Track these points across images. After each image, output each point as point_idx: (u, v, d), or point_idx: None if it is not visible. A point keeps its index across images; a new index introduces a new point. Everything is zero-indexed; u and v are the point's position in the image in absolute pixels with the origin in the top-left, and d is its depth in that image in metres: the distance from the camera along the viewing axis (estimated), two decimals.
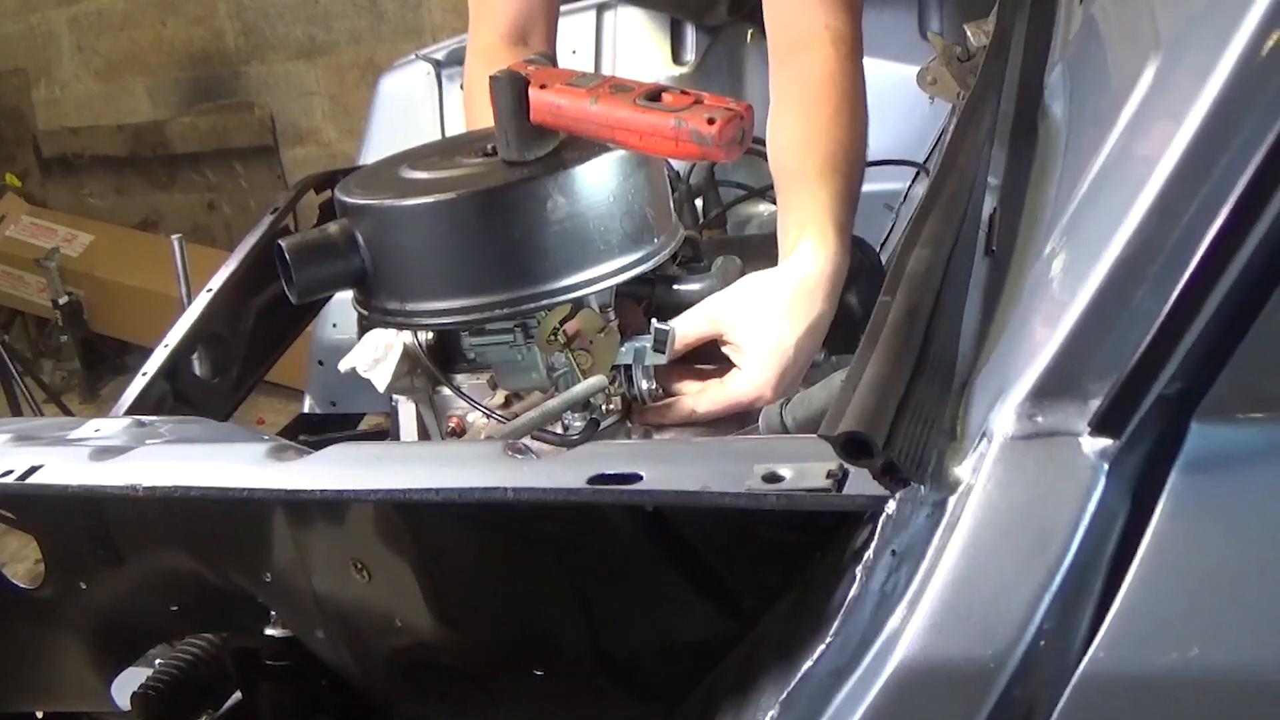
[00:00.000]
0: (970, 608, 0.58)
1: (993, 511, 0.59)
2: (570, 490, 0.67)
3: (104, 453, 0.89)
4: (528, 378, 1.22)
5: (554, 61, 1.17)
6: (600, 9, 2.04)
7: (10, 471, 0.87)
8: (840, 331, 1.25)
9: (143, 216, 5.15)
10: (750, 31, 1.95)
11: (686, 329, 1.23)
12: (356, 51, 4.44)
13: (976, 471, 0.60)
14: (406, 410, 1.32)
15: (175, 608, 1.08)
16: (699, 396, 1.23)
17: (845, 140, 1.28)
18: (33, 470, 0.87)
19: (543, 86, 1.10)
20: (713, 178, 1.62)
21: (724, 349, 1.23)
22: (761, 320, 1.21)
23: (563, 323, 1.18)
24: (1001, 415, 0.61)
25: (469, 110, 1.56)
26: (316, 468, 0.79)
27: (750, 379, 1.21)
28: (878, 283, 1.27)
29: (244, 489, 0.81)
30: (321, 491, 0.77)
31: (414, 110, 2.09)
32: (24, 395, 3.53)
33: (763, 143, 1.73)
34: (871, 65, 1.34)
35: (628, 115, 1.03)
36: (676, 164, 1.53)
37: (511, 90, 1.11)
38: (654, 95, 1.03)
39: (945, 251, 0.76)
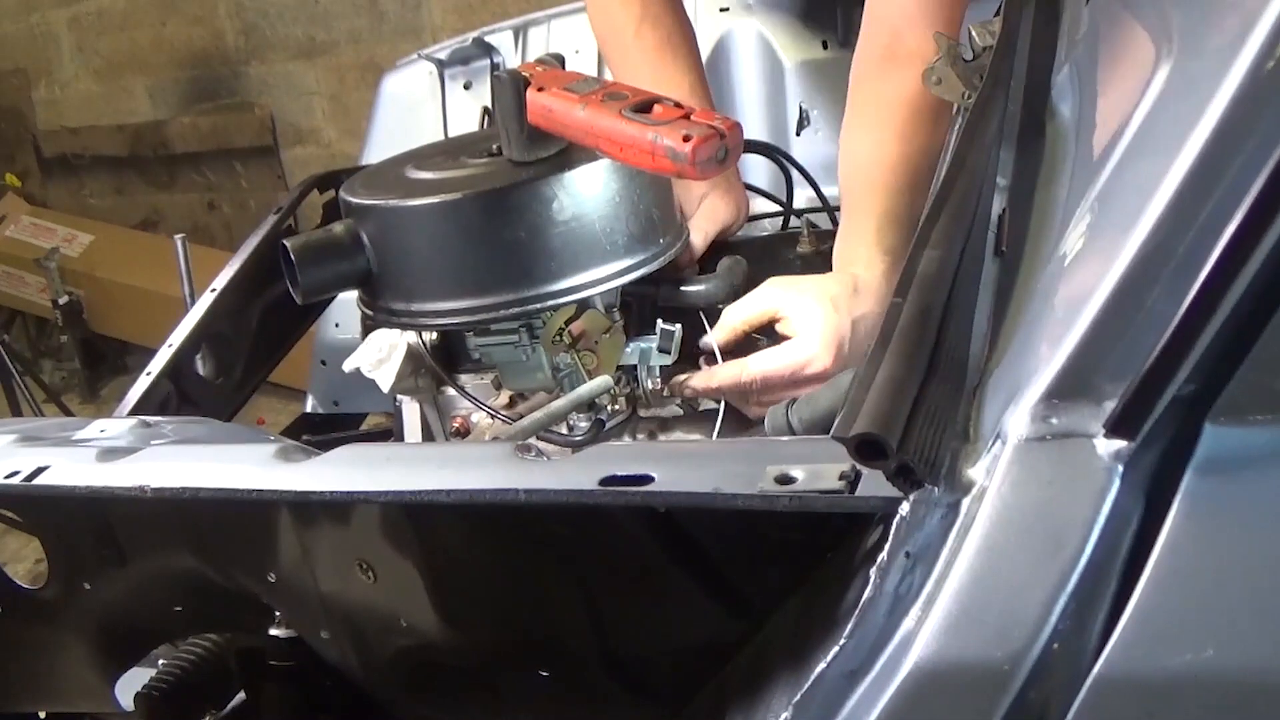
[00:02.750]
0: (985, 610, 0.58)
1: (1007, 513, 0.59)
2: (582, 491, 0.67)
3: (111, 454, 0.88)
4: (533, 378, 1.22)
5: (564, 63, 1.17)
6: None
7: (17, 473, 0.87)
8: None
9: (143, 216, 5.15)
10: (757, 32, 1.95)
11: (745, 310, 1.23)
12: (356, 51, 4.43)
13: (990, 473, 0.60)
14: (410, 410, 1.32)
15: (179, 608, 1.08)
16: (751, 357, 1.22)
17: (912, 163, 1.27)
18: (39, 471, 0.87)
19: (540, 89, 1.10)
20: None
21: (778, 327, 1.23)
22: (816, 302, 1.21)
23: (568, 323, 1.18)
24: (1015, 417, 0.61)
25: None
26: (326, 469, 0.79)
27: (805, 344, 1.19)
28: None
29: (253, 490, 0.80)
30: (332, 493, 0.77)
31: (417, 110, 2.09)
32: (24, 395, 3.52)
33: (769, 146, 1.73)
34: None
35: (610, 125, 1.02)
36: None
37: (514, 91, 1.11)
38: (644, 106, 1.02)
39: (956, 252, 0.76)
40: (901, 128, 1.29)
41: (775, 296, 1.22)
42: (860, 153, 1.30)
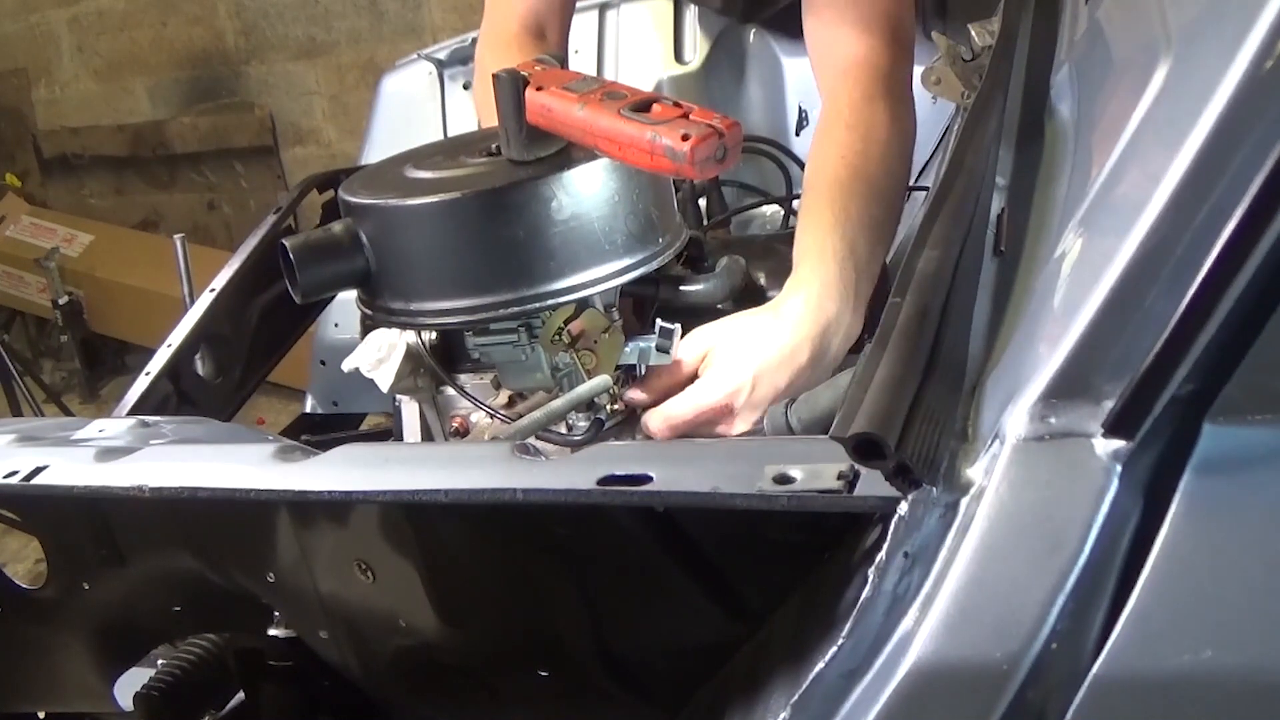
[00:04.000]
0: (983, 609, 0.57)
1: (1005, 513, 0.59)
2: (580, 491, 0.67)
3: (109, 453, 0.89)
4: (532, 378, 1.22)
5: (564, 63, 1.17)
6: (602, 9, 2.04)
7: (15, 472, 0.87)
8: None
9: (143, 216, 5.15)
10: (752, 31, 1.95)
11: (686, 354, 1.22)
12: (356, 51, 4.43)
13: (989, 473, 0.60)
14: (410, 410, 1.32)
15: (178, 608, 1.08)
16: (652, 413, 1.21)
17: (855, 163, 1.25)
18: (38, 471, 0.87)
19: (539, 88, 1.09)
20: (717, 178, 1.62)
21: (701, 369, 1.21)
22: (726, 342, 1.19)
23: (567, 323, 1.18)
24: (1013, 416, 0.61)
25: (479, 101, 1.57)
26: (324, 469, 0.79)
27: (699, 389, 1.18)
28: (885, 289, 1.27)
29: (252, 490, 0.80)
30: (330, 493, 0.77)
31: (416, 110, 2.09)
32: (24, 395, 3.52)
33: (766, 141, 1.73)
34: None
35: (609, 124, 1.01)
36: None
37: (512, 90, 1.11)
38: (643, 105, 1.01)
39: (955, 252, 0.76)
40: (827, 142, 1.29)
41: (701, 341, 1.21)
42: (810, 166, 1.31)
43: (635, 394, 1.23)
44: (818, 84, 1.38)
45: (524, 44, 1.51)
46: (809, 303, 1.18)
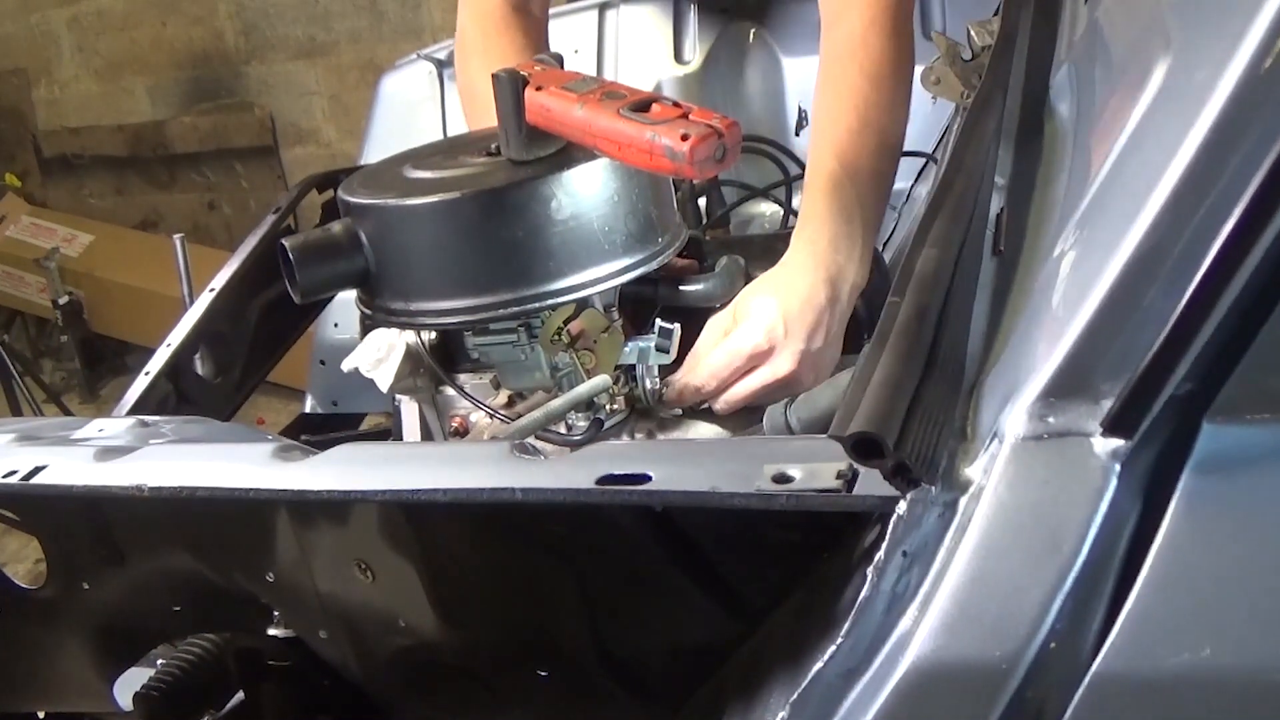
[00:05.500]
0: (982, 609, 0.58)
1: (1004, 512, 0.59)
2: (579, 490, 0.67)
3: (108, 453, 0.88)
4: (531, 377, 1.22)
5: (562, 62, 1.17)
6: (602, 8, 2.04)
7: (14, 472, 0.87)
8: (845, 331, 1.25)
9: (143, 216, 5.15)
10: (752, 30, 1.95)
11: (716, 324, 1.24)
12: (356, 51, 4.44)
13: (988, 472, 0.60)
14: (409, 410, 1.32)
15: (177, 608, 1.08)
16: (700, 364, 1.23)
17: (866, 112, 1.27)
18: (37, 470, 0.87)
19: (539, 88, 1.09)
20: (716, 177, 1.61)
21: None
22: (750, 294, 1.23)
23: (567, 322, 1.18)
24: (1012, 415, 0.61)
25: (463, 84, 1.55)
26: (322, 468, 0.79)
27: (738, 334, 1.21)
28: (883, 283, 1.28)
29: (250, 489, 0.80)
30: (328, 492, 0.77)
31: (416, 110, 2.09)
32: (24, 395, 3.52)
33: (766, 141, 1.73)
34: None
35: (608, 124, 1.01)
36: None
37: (512, 90, 1.11)
38: (642, 105, 1.01)
39: (954, 251, 0.76)
40: (833, 85, 1.30)
41: (729, 309, 1.24)
42: (819, 111, 1.32)
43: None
44: (823, 25, 1.37)
45: (509, 18, 1.51)
46: (815, 254, 1.22)
